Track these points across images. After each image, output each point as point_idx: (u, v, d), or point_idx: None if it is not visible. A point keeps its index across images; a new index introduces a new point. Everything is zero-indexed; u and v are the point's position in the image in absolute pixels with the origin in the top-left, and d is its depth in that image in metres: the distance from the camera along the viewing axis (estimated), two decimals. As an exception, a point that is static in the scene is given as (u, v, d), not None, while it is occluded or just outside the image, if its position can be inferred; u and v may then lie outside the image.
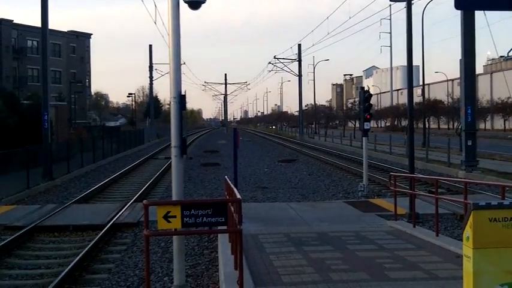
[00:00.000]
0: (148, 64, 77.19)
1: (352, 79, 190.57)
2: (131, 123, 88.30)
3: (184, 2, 9.78)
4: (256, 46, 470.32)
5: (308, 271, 8.80)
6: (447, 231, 13.71)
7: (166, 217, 7.07)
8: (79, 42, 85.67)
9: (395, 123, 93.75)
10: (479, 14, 24.95)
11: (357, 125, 66.15)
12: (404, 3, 18.57)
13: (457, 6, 6.08)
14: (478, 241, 5.05)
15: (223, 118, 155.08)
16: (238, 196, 8.25)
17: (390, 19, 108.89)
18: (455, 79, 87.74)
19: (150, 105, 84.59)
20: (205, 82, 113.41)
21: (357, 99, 78.84)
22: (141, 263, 11.22)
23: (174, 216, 7.07)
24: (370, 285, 7.95)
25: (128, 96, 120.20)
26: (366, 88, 22.64)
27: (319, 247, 10.77)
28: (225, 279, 8.28)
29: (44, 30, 26.52)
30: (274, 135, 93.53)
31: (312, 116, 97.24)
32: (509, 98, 69.21)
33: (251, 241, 11.23)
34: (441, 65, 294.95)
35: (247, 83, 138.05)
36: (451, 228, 14.25)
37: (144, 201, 7.50)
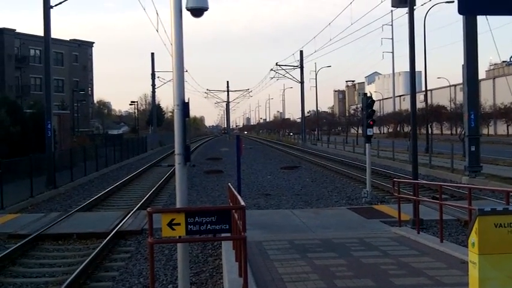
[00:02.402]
0: (150, 72, 77.49)
1: (354, 85, 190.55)
2: (134, 131, 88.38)
3: (187, 9, 9.80)
4: (259, 53, 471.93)
5: (313, 278, 8.77)
6: (451, 237, 13.67)
7: (171, 224, 7.07)
8: (81, 50, 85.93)
9: (398, 129, 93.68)
10: (481, 19, 25.02)
11: (360, 131, 66.08)
12: (406, 9, 18.58)
13: (460, 11, 6.05)
14: (483, 247, 5.03)
15: (225, 125, 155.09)
16: (242, 203, 8.22)
17: (392, 25, 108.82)
18: (458, 84, 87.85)
19: (152, 113, 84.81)
20: (207, 89, 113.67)
21: (359, 106, 78.82)
22: (146, 271, 11.23)
23: (179, 224, 7.07)
24: (375, 292, 7.94)
25: (130, 104, 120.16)
26: (368, 94, 22.56)
27: (323, 254, 10.75)
28: (230, 286, 8.27)
29: (46, 39, 26.65)
30: (277, 141, 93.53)
31: (314, 122, 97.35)
32: None
33: (255, 248, 11.21)
34: (443, 71, 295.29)
35: (250, 90, 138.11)
36: (455, 234, 14.20)
37: (148, 209, 7.50)
